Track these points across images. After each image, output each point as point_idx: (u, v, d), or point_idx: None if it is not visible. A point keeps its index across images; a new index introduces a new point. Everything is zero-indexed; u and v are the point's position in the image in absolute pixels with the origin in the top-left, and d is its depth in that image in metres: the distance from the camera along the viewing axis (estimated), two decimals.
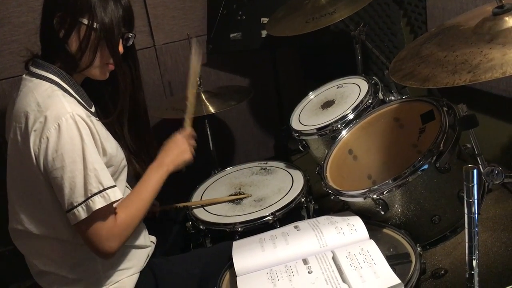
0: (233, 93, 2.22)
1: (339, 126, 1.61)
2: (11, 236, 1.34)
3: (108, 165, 1.27)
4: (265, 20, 2.28)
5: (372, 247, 1.19)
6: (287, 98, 2.50)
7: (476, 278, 0.96)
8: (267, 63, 2.51)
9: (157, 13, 2.35)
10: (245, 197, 1.71)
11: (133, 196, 1.34)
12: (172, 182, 1.49)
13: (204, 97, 2.08)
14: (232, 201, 1.71)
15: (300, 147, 1.77)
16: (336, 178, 1.46)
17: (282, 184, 1.74)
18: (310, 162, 1.86)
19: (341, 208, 1.47)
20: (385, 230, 1.30)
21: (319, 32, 1.80)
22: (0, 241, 2.04)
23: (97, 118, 1.34)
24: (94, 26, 1.24)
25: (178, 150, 1.47)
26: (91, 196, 1.17)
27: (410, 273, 1.09)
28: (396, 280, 1.05)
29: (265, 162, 1.94)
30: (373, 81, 1.72)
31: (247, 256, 1.25)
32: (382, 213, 1.28)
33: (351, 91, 1.76)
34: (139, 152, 1.49)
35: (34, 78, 1.25)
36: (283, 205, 1.59)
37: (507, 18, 1.01)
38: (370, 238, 1.24)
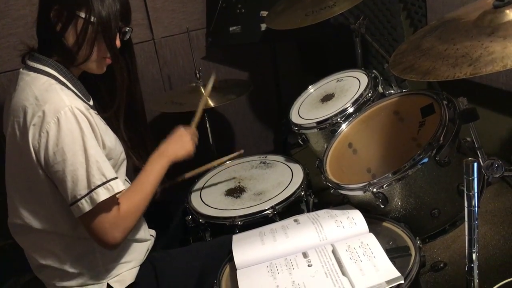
0: (232, 87, 2.21)
1: (338, 119, 1.61)
2: (10, 230, 1.34)
3: (107, 158, 1.27)
4: (264, 13, 2.28)
5: (372, 240, 1.19)
6: (286, 91, 2.49)
7: (476, 271, 0.96)
8: (267, 57, 2.51)
9: (156, 6, 2.34)
10: (239, 154, 1.77)
11: (135, 186, 1.34)
12: (171, 175, 1.49)
13: (203, 91, 2.07)
14: (230, 193, 1.70)
15: (299, 140, 1.77)
16: (335, 172, 1.46)
17: (282, 177, 1.73)
18: (309, 156, 1.86)
19: (341, 202, 1.47)
20: (384, 224, 1.30)
21: (319, 26, 1.80)
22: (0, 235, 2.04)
23: (96, 112, 1.34)
24: (92, 20, 1.23)
25: (180, 141, 1.49)
26: (95, 188, 1.17)
27: (410, 266, 1.09)
28: (396, 273, 1.05)
29: (265, 156, 1.94)
30: (373, 75, 1.72)
31: (247, 250, 1.25)
32: (382, 206, 1.28)
33: (350, 84, 1.75)
34: (136, 146, 1.49)
35: (32, 72, 1.24)
36: (282, 199, 1.58)
37: (508, 11, 1.01)
38: (370, 231, 1.24)
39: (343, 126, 1.59)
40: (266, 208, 1.55)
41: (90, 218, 1.19)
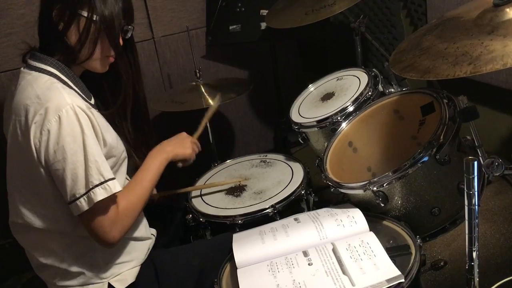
0: (232, 86, 2.21)
1: (339, 118, 1.61)
2: (11, 229, 1.34)
3: (108, 157, 1.28)
4: (264, 12, 2.27)
5: (372, 239, 1.19)
6: (286, 90, 2.49)
7: (476, 270, 0.96)
8: (267, 55, 2.51)
9: (155, 5, 2.34)
10: (241, 182, 1.74)
11: (133, 184, 1.34)
12: (172, 175, 1.49)
13: (203, 90, 2.07)
14: (230, 192, 1.71)
15: (299, 139, 1.77)
16: (336, 171, 1.46)
17: (282, 176, 1.74)
18: (309, 154, 1.86)
19: (341, 200, 1.47)
20: (385, 222, 1.30)
21: (319, 24, 1.79)
22: (0, 233, 2.04)
23: (97, 110, 1.34)
24: (94, 18, 1.24)
25: (181, 143, 1.51)
26: (92, 188, 1.17)
27: (410, 264, 1.09)
28: (396, 272, 1.06)
29: (265, 154, 1.94)
30: (373, 73, 1.71)
31: (247, 248, 1.25)
32: (382, 205, 1.28)
33: (351, 83, 1.75)
34: (139, 145, 1.50)
35: (33, 71, 1.24)
36: (283, 198, 1.59)
37: (508, 10, 1.00)
38: (370, 230, 1.25)
39: (343, 124, 1.60)
40: (267, 207, 1.55)
41: (88, 217, 1.20)
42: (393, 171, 1.25)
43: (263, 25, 2.30)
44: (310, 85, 1.91)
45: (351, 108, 1.62)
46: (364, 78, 1.72)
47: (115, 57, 1.32)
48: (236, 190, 1.72)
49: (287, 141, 2.57)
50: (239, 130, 2.74)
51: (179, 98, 2.11)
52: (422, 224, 1.32)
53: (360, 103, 1.62)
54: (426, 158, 1.21)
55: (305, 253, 1.20)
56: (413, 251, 1.14)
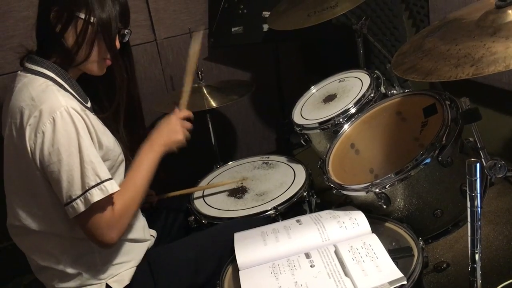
0: (234, 87, 2.21)
1: (341, 120, 1.61)
2: (9, 232, 1.34)
3: (105, 159, 1.27)
4: (266, 13, 2.27)
5: (374, 241, 1.19)
6: (288, 91, 2.49)
7: (479, 272, 0.96)
8: (269, 57, 2.50)
9: (158, 7, 2.34)
10: (243, 182, 1.73)
11: (127, 182, 1.33)
12: (173, 176, 1.49)
13: (205, 92, 2.07)
14: (232, 194, 1.71)
15: (302, 141, 1.77)
16: (338, 172, 1.46)
17: (284, 178, 1.74)
18: (311, 156, 1.86)
19: (343, 202, 1.47)
20: (387, 224, 1.30)
21: (321, 26, 1.79)
22: (2, 236, 2.04)
23: (93, 113, 1.34)
24: (91, 21, 1.24)
25: (169, 130, 1.46)
26: (89, 189, 1.17)
27: (413, 267, 1.09)
28: (399, 274, 1.05)
29: (267, 156, 1.94)
30: (375, 75, 1.71)
31: (249, 250, 1.25)
32: (384, 207, 1.28)
33: (353, 85, 1.75)
34: (135, 148, 1.49)
35: (29, 74, 1.25)
36: (285, 199, 1.59)
37: (510, 11, 1.00)
38: (372, 232, 1.24)
39: (346, 126, 1.60)
40: (269, 208, 1.55)
41: (85, 219, 1.20)
42: (395, 173, 1.24)
43: (265, 27, 2.30)
44: (312, 87, 1.91)
45: (353, 110, 1.62)
46: (366, 79, 1.72)
47: (112, 60, 1.32)
48: (238, 192, 1.72)
49: (290, 142, 2.58)
50: (241, 131, 2.74)
51: None
52: (425, 226, 1.32)
53: (362, 104, 1.62)
54: (428, 160, 1.21)
55: (307, 255, 1.20)
56: (416, 253, 1.14)
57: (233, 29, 2.38)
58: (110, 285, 1.32)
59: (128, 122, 1.48)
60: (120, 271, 1.35)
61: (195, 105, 1.94)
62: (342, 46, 2.34)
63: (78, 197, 1.17)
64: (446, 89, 1.48)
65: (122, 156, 1.40)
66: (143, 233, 1.44)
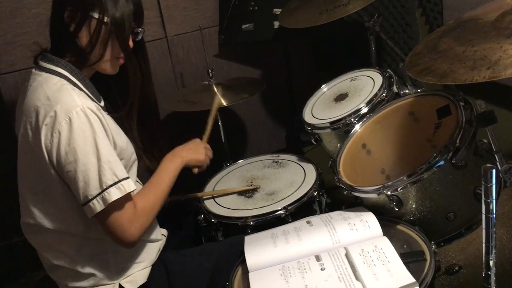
0: (245, 85, 2.20)
1: (352, 120, 1.59)
2: (23, 230, 1.34)
3: (119, 159, 1.27)
4: (277, 11, 2.25)
5: (386, 244, 1.17)
6: (299, 89, 2.48)
7: (493, 278, 0.94)
8: (280, 55, 2.49)
9: (168, 4, 2.34)
10: (254, 189, 1.71)
11: (150, 185, 1.36)
12: (183, 174, 1.49)
13: (216, 90, 2.06)
14: (242, 193, 1.70)
15: (312, 140, 1.76)
16: (349, 173, 1.44)
17: (295, 177, 1.72)
18: (322, 153, 1.84)
19: (354, 202, 1.45)
20: (398, 227, 1.28)
21: (333, 24, 1.77)
22: (14, 231, 2.06)
23: (107, 112, 1.34)
24: (105, 20, 1.24)
25: (195, 149, 1.53)
26: (106, 188, 1.17)
27: (425, 271, 1.07)
28: (411, 279, 1.04)
29: (277, 155, 1.93)
30: (387, 74, 1.69)
31: (259, 252, 1.24)
32: (396, 209, 1.26)
33: (365, 84, 1.73)
34: (150, 148, 1.50)
35: (44, 73, 1.25)
36: (295, 199, 1.58)
37: None
38: (384, 234, 1.23)
39: (357, 126, 1.58)
40: (279, 208, 1.54)
41: (104, 218, 1.20)
42: (407, 175, 1.23)
43: (276, 24, 2.28)
44: (323, 86, 1.89)
45: (365, 110, 1.60)
46: (379, 79, 1.69)
47: (125, 59, 1.32)
48: (248, 191, 1.71)
49: (300, 140, 2.56)
50: (252, 129, 2.73)
51: (191, 98, 2.11)
52: (437, 229, 1.30)
53: (374, 104, 1.60)
54: (442, 163, 1.19)
55: (318, 258, 1.19)
56: (428, 258, 1.12)
57: (243, 26, 2.37)
58: (123, 285, 1.33)
59: (143, 121, 1.49)
60: (133, 272, 1.36)
61: (206, 103, 1.94)
62: (354, 44, 2.31)
63: (95, 197, 1.17)
64: (460, 88, 1.45)
65: (135, 156, 1.40)
66: (155, 233, 1.44)
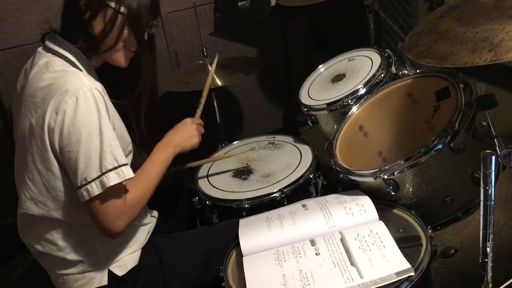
0: (241, 65, 2.16)
1: (349, 101, 1.56)
2: (18, 226, 1.33)
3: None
4: None
5: (382, 228, 1.16)
6: (296, 69, 2.44)
7: (490, 264, 0.93)
8: (276, 33, 2.44)
9: None
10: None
11: (140, 175, 1.32)
12: (178, 156, 1.47)
13: (210, 68, 2.02)
14: (237, 175, 1.68)
15: (309, 122, 1.73)
16: (346, 156, 1.42)
17: (290, 159, 1.70)
18: (318, 134, 1.82)
19: (350, 185, 1.43)
20: (395, 211, 1.27)
21: (331, 2, 1.73)
22: (9, 211, 2.04)
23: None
24: (121, 10, 1.23)
25: (187, 133, 1.49)
26: (106, 172, 1.15)
27: (421, 257, 1.06)
28: (406, 265, 1.03)
29: (273, 136, 1.90)
30: (386, 54, 1.65)
31: (253, 236, 1.23)
32: (393, 193, 1.24)
33: (362, 64, 1.70)
34: (148, 141, 1.47)
35: (49, 54, 1.23)
36: (291, 182, 1.56)
37: None
38: (380, 218, 1.21)
39: (354, 108, 1.55)
40: (274, 191, 1.53)
41: (97, 203, 1.17)
42: (405, 159, 1.20)
43: (273, 2, 2.24)
44: (320, 66, 1.85)
45: (362, 91, 1.57)
46: (377, 59, 1.66)
47: (138, 51, 1.31)
48: (243, 173, 1.69)
49: (296, 120, 2.53)
50: (247, 109, 2.70)
51: (185, 78, 2.07)
52: (434, 213, 1.28)
53: (372, 85, 1.57)
54: (440, 146, 1.17)
55: (313, 242, 1.17)
56: (424, 243, 1.11)
57: (239, 4, 2.31)
58: (113, 270, 1.31)
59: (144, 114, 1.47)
60: (122, 257, 1.34)
61: (200, 83, 1.90)
62: (352, 22, 2.27)
63: (93, 179, 1.14)
64: (461, 69, 1.42)
65: (131, 147, 1.38)
66: (145, 217, 1.43)
